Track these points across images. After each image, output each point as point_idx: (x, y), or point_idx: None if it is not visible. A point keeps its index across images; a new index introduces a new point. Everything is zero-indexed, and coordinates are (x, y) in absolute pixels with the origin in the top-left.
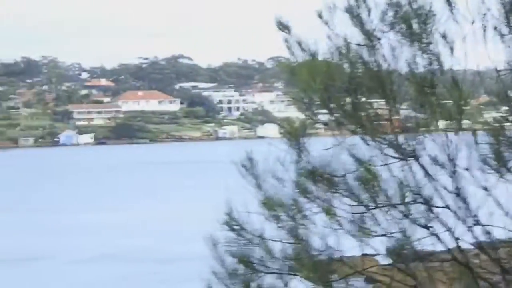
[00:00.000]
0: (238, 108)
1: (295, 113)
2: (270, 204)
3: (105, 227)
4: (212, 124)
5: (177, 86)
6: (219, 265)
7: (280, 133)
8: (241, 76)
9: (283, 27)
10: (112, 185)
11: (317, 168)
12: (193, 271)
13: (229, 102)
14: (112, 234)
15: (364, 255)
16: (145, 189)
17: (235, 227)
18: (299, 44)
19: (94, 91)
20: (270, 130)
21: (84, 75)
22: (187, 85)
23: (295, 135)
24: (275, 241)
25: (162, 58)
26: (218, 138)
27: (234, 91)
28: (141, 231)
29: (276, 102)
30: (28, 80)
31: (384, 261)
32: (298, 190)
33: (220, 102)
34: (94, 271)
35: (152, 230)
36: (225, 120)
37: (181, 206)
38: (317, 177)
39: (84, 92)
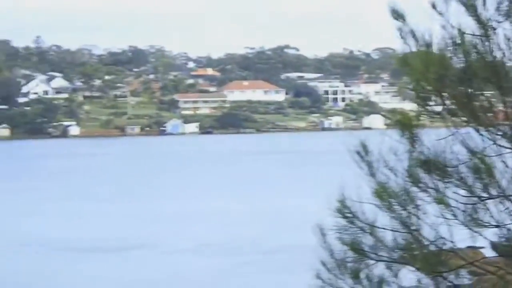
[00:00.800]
0: (343, 99)
1: (400, 104)
2: (382, 193)
3: (209, 216)
4: (317, 115)
5: (283, 76)
6: (328, 254)
7: (387, 124)
8: (346, 66)
9: (397, 15)
10: (217, 174)
11: (430, 158)
12: (301, 261)
13: (335, 92)
14: (217, 223)
15: (470, 247)
16: (252, 178)
17: (347, 215)
18: (413, 33)
19: (200, 81)
20: (376, 121)
21: (191, 65)
22: (293, 75)
23: (408, 125)
24: (386, 230)
25: (268, 48)
26: (323, 129)
27: (340, 81)
28: (247, 220)
29: (381, 93)
30: (135, 69)
31: (490, 253)
32: (410, 180)
33: (326, 92)
34: (194, 261)
35: (258, 219)
36: (330, 111)
37: (288, 195)
38: (430, 167)
39: (190, 81)
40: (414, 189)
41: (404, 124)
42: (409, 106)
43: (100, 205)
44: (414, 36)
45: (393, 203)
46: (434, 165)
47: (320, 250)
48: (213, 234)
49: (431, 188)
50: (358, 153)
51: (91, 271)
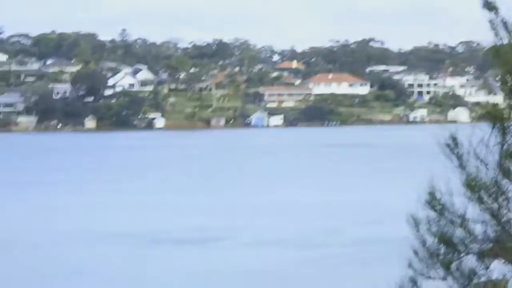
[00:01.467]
0: (428, 92)
1: (486, 97)
2: (472, 185)
3: (292, 207)
4: (402, 108)
5: (367, 69)
6: (420, 245)
7: (472, 117)
8: (431, 60)
9: (489, 7)
10: (301, 166)
11: None
12: (389, 252)
13: (420, 86)
14: (300, 215)
15: None
16: (337, 170)
17: (437, 207)
18: (505, 25)
19: (285, 74)
20: (461, 114)
21: (275, 58)
22: (377, 68)
23: (499, 117)
24: (477, 222)
25: (353, 41)
26: (408, 122)
27: (425, 75)
28: (331, 212)
29: (466, 86)
30: (220, 62)
31: None
32: (501, 172)
33: (410, 86)
34: (279, 253)
35: (342, 211)
36: (415, 104)
37: (374, 188)
38: None
39: (275, 74)
40: (505, 181)
41: (495, 117)
42: (496, 99)
43: (185, 197)
44: (506, 27)
45: (484, 196)
46: None
47: (411, 241)
48: (297, 226)
49: None
50: (448, 145)
51: (177, 262)
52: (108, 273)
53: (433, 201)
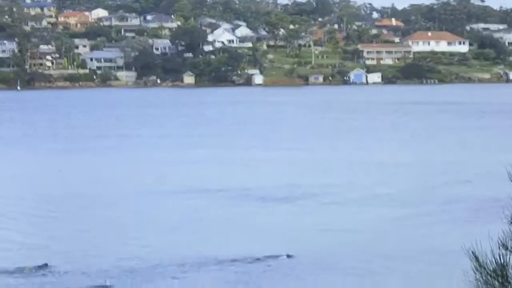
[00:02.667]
0: None
1: None
2: None
3: (378, 166)
4: (502, 66)
5: (467, 28)
6: None
7: None
8: None
9: None
10: (395, 124)
11: None
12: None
13: None
14: (385, 173)
15: None
16: (431, 129)
17: None
18: None
19: (384, 31)
20: None
21: (375, 15)
22: (477, 26)
23: None
24: None
25: None
26: (508, 81)
27: None
28: (419, 171)
29: None
30: (319, 19)
31: None
32: None
33: (511, 44)
34: (366, 211)
35: (429, 170)
36: None
37: (462, 147)
38: None
39: (374, 31)
40: None
41: None
42: None
43: (276, 153)
44: None
45: None
46: None
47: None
48: (383, 185)
49: None
50: None
51: (262, 220)
52: (196, 227)
53: None
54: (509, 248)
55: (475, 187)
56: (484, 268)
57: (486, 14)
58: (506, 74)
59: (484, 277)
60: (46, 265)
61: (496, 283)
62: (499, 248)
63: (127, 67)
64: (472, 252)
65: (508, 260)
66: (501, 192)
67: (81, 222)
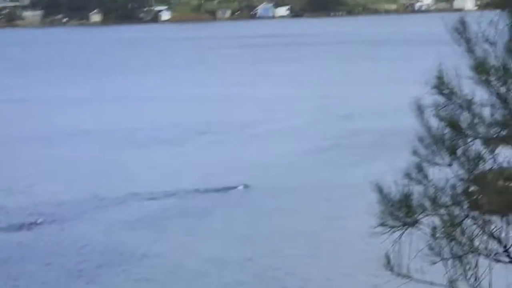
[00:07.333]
0: None
1: None
2: (481, 68)
3: (287, 101)
4: None
5: None
6: (426, 132)
7: (478, 6)
8: None
9: None
10: (302, 63)
11: None
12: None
13: None
14: (296, 109)
15: None
16: (337, 63)
17: (445, 91)
18: None
19: None
20: (467, 2)
21: None
22: None
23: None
24: (485, 106)
25: None
26: (413, 11)
27: None
28: (325, 104)
29: None
30: None
31: None
32: (510, 55)
33: None
34: (280, 145)
35: (337, 105)
36: None
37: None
38: None
39: None
40: None
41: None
42: None
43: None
44: None
45: (492, 79)
46: None
47: (416, 129)
48: (289, 119)
49: None
50: (456, 29)
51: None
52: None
53: (440, 86)
54: (413, 178)
55: (381, 120)
56: (388, 200)
57: None
58: (412, 5)
59: (389, 209)
60: None
61: (400, 214)
62: (403, 179)
63: (33, 6)
64: (376, 184)
65: (411, 190)
66: (404, 124)
67: None
